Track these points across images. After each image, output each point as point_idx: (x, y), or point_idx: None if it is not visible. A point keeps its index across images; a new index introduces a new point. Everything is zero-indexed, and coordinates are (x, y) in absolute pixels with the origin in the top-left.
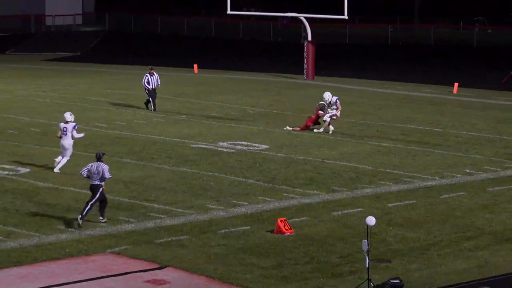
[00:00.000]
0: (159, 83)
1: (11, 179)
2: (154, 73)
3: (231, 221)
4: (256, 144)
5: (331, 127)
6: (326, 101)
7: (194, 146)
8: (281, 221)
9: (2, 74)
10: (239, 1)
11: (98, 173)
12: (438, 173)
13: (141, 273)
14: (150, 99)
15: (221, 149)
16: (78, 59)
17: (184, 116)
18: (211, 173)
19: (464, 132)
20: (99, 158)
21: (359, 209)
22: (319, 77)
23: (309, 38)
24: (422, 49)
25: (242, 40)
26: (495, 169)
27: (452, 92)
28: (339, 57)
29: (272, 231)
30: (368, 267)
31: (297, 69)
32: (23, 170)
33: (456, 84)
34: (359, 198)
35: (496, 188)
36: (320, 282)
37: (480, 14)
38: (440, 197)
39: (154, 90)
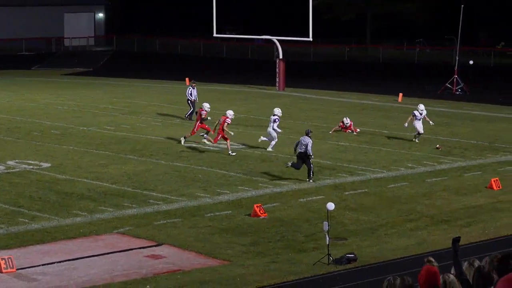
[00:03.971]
0: (196, 99)
1: (35, 172)
2: (195, 87)
3: (216, 206)
4: (237, 144)
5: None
6: (421, 110)
7: (186, 145)
8: (257, 206)
9: (29, 86)
10: (223, 26)
11: (305, 144)
12: (386, 167)
13: (142, 249)
14: (191, 108)
15: (208, 147)
16: (91, 74)
17: (178, 120)
18: (199, 167)
19: (407, 134)
20: (307, 134)
21: (321, 197)
22: (289, 89)
23: (280, 56)
24: (372, 65)
25: (226, 58)
26: (432, 163)
27: (397, 100)
28: (305, 72)
29: (249, 215)
30: (328, 244)
31: (271, 82)
32: (45, 164)
33: (400, 94)
34: (321, 187)
35: (433, 179)
36: (289, 256)
37: (420, 37)
38: (387, 186)
39: (195, 101)
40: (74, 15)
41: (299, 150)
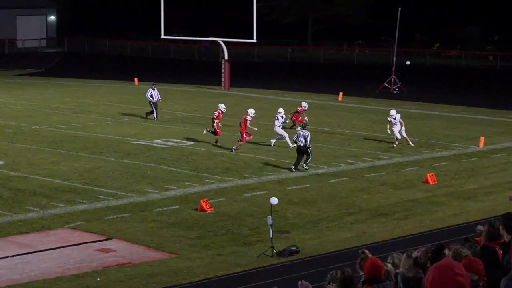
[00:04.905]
0: (160, 98)
1: None
2: (155, 88)
3: (164, 201)
4: (184, 141)
5: (411, 142)
6: (391, 115)
7: (135, 142)
8: (203, 201)
9: None
10: (171, 28)
11: (304, 137)
12: (327, 163)
13: (93, 243)
14: (153, 110)
15: (156, 145)
16: (43, 75)
17: (127, 119)
18: (148, 164)
19: (347, 131)
20: (304, 127)
21: (264, 192)
22: (234, 88)
23: (226, 57)
24: (314, 66)
25: (173, 59)
26: (371, 159)
27: (338, 99)
28: (250, 72)
29: (196, 210)
30: (272, 237)
31: (216, 82)
32: None
33: (340, 93)
34: (264, 183)
35: (371, 174)
36: (234, 249)
37: (359, 38)
38: (328, 181)
39: (156, 102)
40: (27, 18)
41: (298, 144)
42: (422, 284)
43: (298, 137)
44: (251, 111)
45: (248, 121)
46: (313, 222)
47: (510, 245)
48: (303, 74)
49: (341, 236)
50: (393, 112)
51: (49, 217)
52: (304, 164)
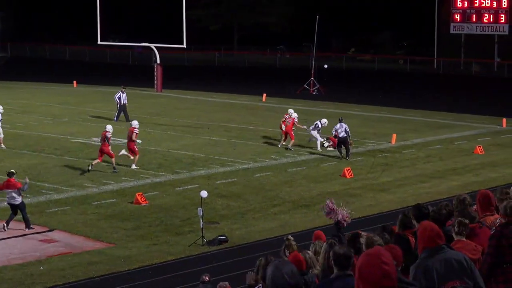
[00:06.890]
0: (126, 101)
1: None
2: (124, 91)
3: (102, 195)
4: (119, 139)
5: (325, 144)
6: (323, 125)
7: (74, 140)
8: (138, 195)
9: None
10: (107, 34)
11: (343, 130)
12: (252, 159)
13: (36, 234)
14: (122, 112)
15: (94, 142)
16: None
17: (66, 119)
18: (86, 160)
19: (270, 129)
20: (341, 120)
21: (195, 185)
22: (166, 90)
23: (158, 62)
24: (240, 69)
25: (109, 63)
26: (293, 155)
27: (262, 100)
28: (180, 76)
29: (132, 202)
30: (202, 227)
31: (149, 84)
32: None
33: (264, 94)
34: (195, 177)
35: (294, 169)
36: (167, 239)
37: (281, 44)
38: (254, 176)
39: (124, 104)
40: None
41: (340, 136)
42: (351, 261)
43: (336, 130)
44: (295, 115)
45: (296, 122)
46: (241, 213)
47: None
48: (229, 77)
49: (266, 226)
50: (323, 121)
51: None
52: (347, 157)
